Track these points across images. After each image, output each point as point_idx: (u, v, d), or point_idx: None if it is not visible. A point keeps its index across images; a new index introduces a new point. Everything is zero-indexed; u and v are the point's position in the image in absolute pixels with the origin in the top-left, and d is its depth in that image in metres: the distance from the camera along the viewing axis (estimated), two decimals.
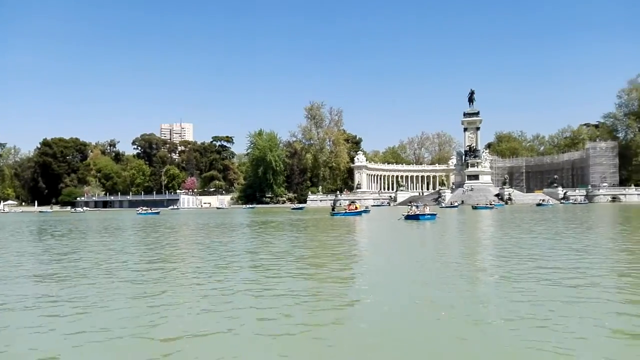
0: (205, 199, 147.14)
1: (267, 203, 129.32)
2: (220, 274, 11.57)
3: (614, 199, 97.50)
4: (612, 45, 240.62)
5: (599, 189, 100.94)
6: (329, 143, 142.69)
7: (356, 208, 50.83)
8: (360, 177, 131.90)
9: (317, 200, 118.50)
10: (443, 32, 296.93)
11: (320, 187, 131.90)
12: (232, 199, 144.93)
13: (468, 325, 6.77)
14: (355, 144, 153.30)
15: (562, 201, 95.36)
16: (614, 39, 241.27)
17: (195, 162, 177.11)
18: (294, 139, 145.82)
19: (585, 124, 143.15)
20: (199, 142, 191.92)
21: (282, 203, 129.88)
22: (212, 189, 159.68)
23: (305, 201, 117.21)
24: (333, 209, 52.41)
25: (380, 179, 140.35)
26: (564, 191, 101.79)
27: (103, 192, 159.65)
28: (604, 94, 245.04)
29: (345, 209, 51.31)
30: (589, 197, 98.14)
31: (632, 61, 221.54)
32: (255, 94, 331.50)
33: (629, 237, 21.65)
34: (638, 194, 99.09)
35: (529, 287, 9.35)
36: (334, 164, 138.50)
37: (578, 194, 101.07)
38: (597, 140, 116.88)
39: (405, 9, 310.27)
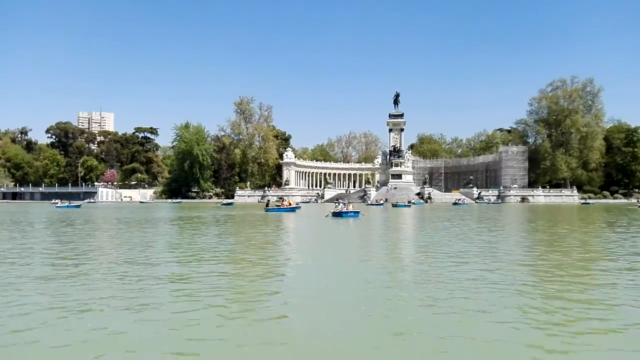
0: (126, 192, 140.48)
1: (192, 198, 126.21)
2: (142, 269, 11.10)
3: (523, 199, 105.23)
4: (528, 55, 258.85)
5: (509, 190, 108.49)
6: (258, 139, 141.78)
7: (289, 204, 52.05)
8: (288, 174, 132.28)
9: (245, 196, 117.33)
10: (372, 33, 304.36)
11: (248, 183, 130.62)
12: (155, 193, 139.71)
13: (386, 320, 7.02)
14: (284, 140, 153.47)
15: (476, 201, 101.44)
16: (530, 49, 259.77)
17: (116, 153, 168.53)
18: (223, 133, 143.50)
19: (499, 129, 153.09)
20: (120, 133, 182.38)
21: (209, 198, 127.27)
22: (134, 182, 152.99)
23: (232, 196, 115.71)
24: (267, 205, 53.06)
25: (309, 176, 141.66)
26: (479, 191, 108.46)
27: (12, 183, 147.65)
28: (517, 101, 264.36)
29: (279, 205, 51.97)
30: (501, 197, 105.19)
31: (545, 71, 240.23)
32: (183, 86, 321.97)
33: (533, 234, 23.48)
34: (544, 196, 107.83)
35: (443, 278, 9.88)
36: (262, 160, 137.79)
37: (491, 194, 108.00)
38: (510, 144, 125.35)
39: (337, 6, 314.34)
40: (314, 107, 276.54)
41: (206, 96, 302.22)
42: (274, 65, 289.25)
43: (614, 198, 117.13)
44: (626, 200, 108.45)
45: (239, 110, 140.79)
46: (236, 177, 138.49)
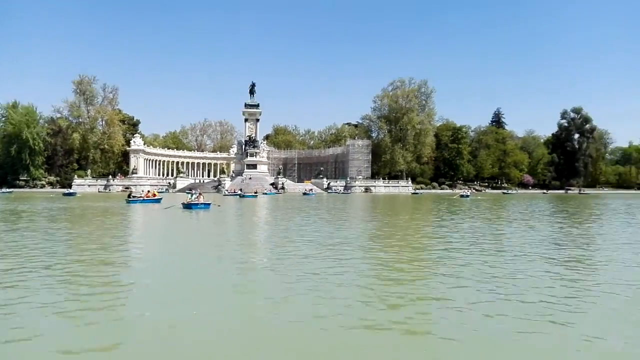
0: None
1: (21, 187, 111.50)
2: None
3: (367, 189, 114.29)
4: (377, 54, 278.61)
5: (355, 181, 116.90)
6: (101, 123, 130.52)
7: (154, 195, 50.25)
8: (137, 162, 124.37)
9: (85, 185, 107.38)
10: (230, 19, 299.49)
11: (89, 171, 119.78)
12: None
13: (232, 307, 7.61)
14: (132, 125, 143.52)
15: (327, 191, 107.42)
16: (379, 48, 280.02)
17: None
18: (59, 115, 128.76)
19: (347, 123, 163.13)
20: None
21: (41, 187, 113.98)
22: None
23: (70, 185, 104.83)
24: (129, 196, 49.89)
25: (160, 164, 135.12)
26: (328, 182, 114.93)
27: None
28: (365, 97, 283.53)
29: (142, 197, 49.31)
30: (347, 188, 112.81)
31: (391, 70, 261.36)
32: (8, 59, 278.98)
33: (368, 220, 26.13)
34: (384, 186, 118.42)
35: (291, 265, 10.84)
36: (106, 146, 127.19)
37: (339, 184, 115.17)
38: (356, 138, 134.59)
39: None
40: (167, 92, 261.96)
41: (40, 73, 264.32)
42: (122, 44, 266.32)
43: (442, 189, 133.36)
44: (451, 191, 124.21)
45: (78, 91, 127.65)
46: (75, 164, 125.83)
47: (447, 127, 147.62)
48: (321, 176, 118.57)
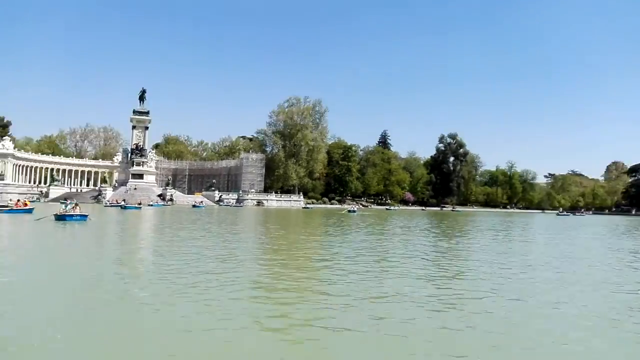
0: None
1: None
2: None
3: (259, 203, 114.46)
4: (273, 68, 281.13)
5: (247, 194, 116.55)
6: None
7: (25, 205, 45.83)
8: (4, 167, 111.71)
9: None
10: (123, 21, 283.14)
11: None
12: None
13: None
14: (2, 127, 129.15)
15: (218, 203, 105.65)
16: (276, 64, 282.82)
17: None
18: None
19: (242, 137, 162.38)
20: None
21: None
22: None
23: None
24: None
25: (32, 170, 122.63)
26: (220, 194, 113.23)
27: None
28: (260, 112, 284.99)
29: (11, 206, 44.70)
30: (240, 201, 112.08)
31: (287, 86, 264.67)
32: None
33: (259, 232, 26.54)
34: (276, 200, 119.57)
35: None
36: None
37: (231, 197, 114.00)
38: (250, 152, 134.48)
39: None
40: (44, 92, 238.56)
41: None
42: None
43: (332, 204, 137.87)
44: (340, 206, 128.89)
45: None
46: None
47: (338, 145, 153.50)
48: (213, 188, 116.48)
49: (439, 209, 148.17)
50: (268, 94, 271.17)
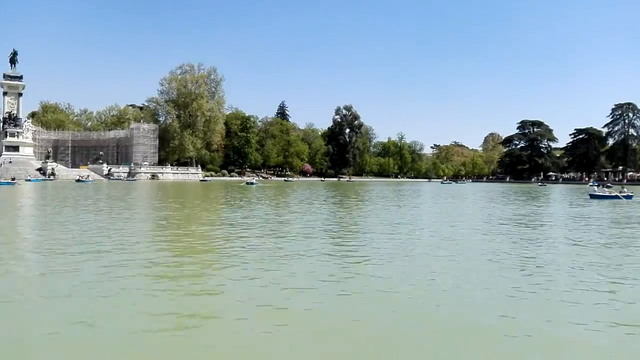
0: None
1: None
2: None
3: (153, 176, 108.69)
4: (164, 34, 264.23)
5: (140, 167, 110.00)
6: None
7: None
8: None
9: None
10: None
11: None
12: None
13: None
14: None
15: (108, 177, 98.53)
16: (166, 29, 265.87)
17: None
18: None
19: (131, 105, 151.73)
20: None
21: None
22: None
23: None
24: None
25: None
26: (109, 168, 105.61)
27: None
28: (150, 79, 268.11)
29: None
30: (132, 174, 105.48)
31: (179, 53, 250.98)
32: None
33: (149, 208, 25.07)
34: (173, 173, 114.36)
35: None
36: None
37: (122, 170, 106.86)
38: (142, 121, 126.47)
39: None
40: None
41: None
42: None
43: (231, 176, 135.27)
44: (240, 178, 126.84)
45: None
46: None
47: (236, 115, 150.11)
48: (101, 161, 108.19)
49: (336, 179, 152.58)
50: (159, 61, 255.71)
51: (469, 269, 10.79)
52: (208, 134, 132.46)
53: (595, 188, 51.79)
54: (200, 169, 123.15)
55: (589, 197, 45.79)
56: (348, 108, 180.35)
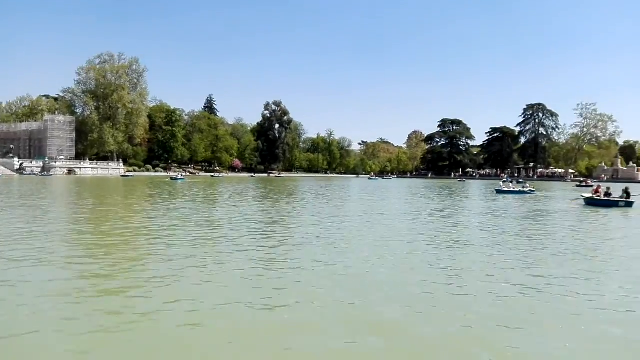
0: None
1: None
2: None
3: (70, 171, 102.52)
4: (82, 21, 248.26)
5: (55, 162, 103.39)
6: None
7: None
8: None
9: None
10: None
11: None
12: None
13: None
14: None
15: (19, 172, 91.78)
16: (84, 16, 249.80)
17: None
18: None
19: (45, 96, 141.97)
20: None
21: None
22: None
23: None
24: None
25: None
26: (21, 162, 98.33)
27: None
28: (66, 69, 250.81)
29: None
30: (46, 169, 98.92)
31: (98, 43, 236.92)
32: None
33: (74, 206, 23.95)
34: (92, 168, 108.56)
35: None
36: None
37: (35, 165, 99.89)
38: (57, 113, 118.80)
39: None
40: None
41: None
42: None
43: (156, 171, 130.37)
44: (165, 173, 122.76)
45: None
46: None
47: (160, 108, 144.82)
48: (11, 155, 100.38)
49: (266, 175, 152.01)
50: (77, 50, 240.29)
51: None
52: (130, 127, 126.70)
53: (501, 184, 55.64)
54: (122, 164, 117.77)
55: (495, 192, 49.46)
56: (277, 103, 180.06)
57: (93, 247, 11.64)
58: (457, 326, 6.54)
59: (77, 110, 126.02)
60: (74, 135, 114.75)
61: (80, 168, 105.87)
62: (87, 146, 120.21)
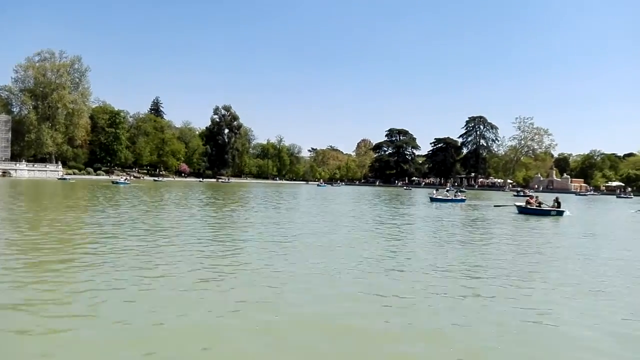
0: None
1: None
2: None
3: (5, 173, 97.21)
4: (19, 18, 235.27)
5: None
6: None
7: None
8: None
9: None
10: None
11: None
12: None
13: None
14: None
15: None
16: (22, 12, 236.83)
17: None
18: None
19: None
20: None
21: None
22: None
23: None
24: None
25: None
26: None
27: None
28: (2, 66, 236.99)
29: None
30: None
31: (37, 41, 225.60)
32: None
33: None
34: (28, 170, 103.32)
35: None
36: None
37: None
38: None
39: None
40: None
41: None
42: None
43: (97, 174, 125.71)
44: (107, 177, 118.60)
45: None
46: None
47: (104, 109, 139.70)
48: None
49: (215, 180, 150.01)
50: (14, 46, 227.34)
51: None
52: (71, 128, 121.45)
53: (434, 192, 57.94)
54: (61, 166, 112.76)
55: (429, 200, 51.61)
56: (227, 108, 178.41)
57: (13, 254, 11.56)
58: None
59: (14, 109, 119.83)
60: (9, 135, 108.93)
61: (16, 170, 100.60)
62: (23, 147, 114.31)
